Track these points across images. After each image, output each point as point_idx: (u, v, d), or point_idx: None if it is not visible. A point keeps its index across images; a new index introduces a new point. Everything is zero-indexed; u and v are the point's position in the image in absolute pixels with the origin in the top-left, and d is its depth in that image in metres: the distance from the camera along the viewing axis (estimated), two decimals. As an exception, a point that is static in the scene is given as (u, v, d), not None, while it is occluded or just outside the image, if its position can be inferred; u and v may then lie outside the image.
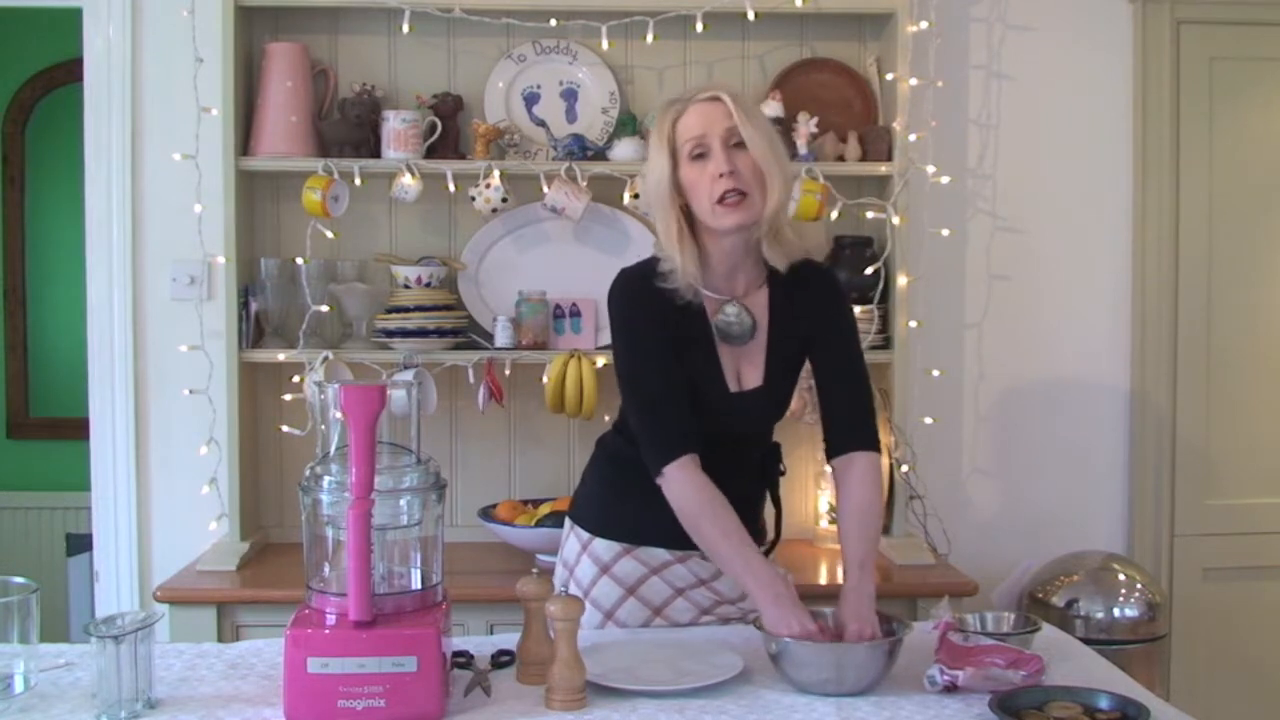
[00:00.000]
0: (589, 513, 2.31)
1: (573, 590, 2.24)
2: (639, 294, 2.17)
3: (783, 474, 2.34)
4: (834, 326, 2.24)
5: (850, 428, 2.22)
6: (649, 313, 2.15)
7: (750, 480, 2.29)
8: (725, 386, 2.19)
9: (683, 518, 2.11)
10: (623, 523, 2.25)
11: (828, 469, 2.38)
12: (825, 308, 2.24)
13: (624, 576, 2.24)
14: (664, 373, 2.14)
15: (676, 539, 2.16)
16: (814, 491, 3.34)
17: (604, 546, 2.26)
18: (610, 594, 2.24)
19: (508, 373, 3.14)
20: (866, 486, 2.17)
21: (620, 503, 2.24)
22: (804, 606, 2.00)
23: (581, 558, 2.28)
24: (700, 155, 2.10)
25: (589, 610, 2.21)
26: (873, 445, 2.22)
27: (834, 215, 3.16)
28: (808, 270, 2.25)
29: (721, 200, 2.08)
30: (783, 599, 2.00)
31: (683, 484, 2.10)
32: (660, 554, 2.24)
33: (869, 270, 3.16)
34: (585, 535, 2.29)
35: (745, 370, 2.21)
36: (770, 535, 2.33)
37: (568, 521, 2.36)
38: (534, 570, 1.99)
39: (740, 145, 2.09)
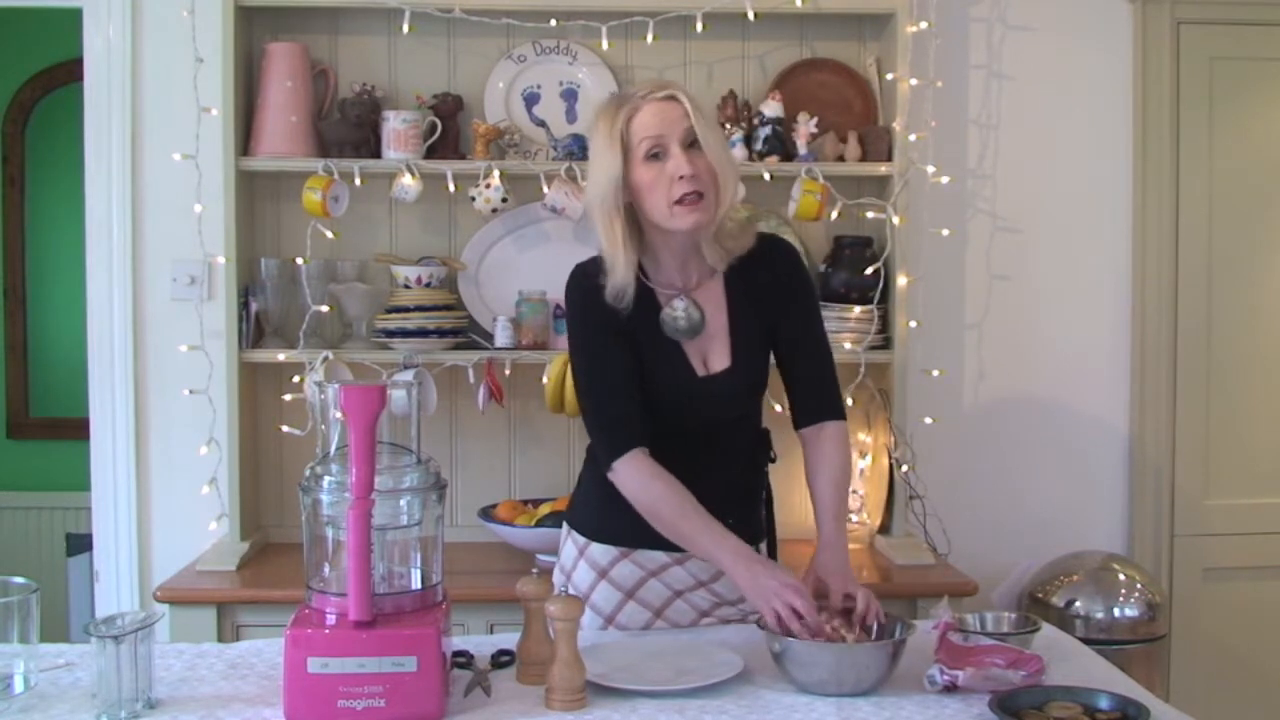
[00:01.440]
0: (585, 517, 2.30)
1: (571, 595, 2.24)
2: (590, 290, 2.15)
3: (773, 461, 2.33)
4: (793, 298, 2.23)
5: (818, 397, 2.24)
6: (598, 308, 2.14)
7: (741, 469, 2.28)
8: (692, 372, 2.18)
9: (640, 510, 2.12)
10: (618, 526, 2.23)
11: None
12: (783, 281, 2.23)
13: (622, 580, 2.23)
14: (607, 369, 2.14)
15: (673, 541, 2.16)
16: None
17: (601, 551, 2.25)
18: (610, 598, 2.23)
19: (508, 373, 3.14)
20: (840, 448, 2.22)
21: (615, 506, 2.21)
22: (777, 566, 2.04)
23: (579, 563, 2.27)
24: (655, 155, 2.08)
25: (589, 615, 2.20)
26: (841, 414, 2.25)
27: (834, 215, 3.15)
28: (764, 247, 2.23)
29: (680, 201, 2.07)
30: (755, 564, 2.03)
31: (632, 476, 2.11)
32: (658, 556, 2.23)
33: (869, 270, 3.15)
34: (582, 540, 2.28)
35: (711, 354, 2.19)
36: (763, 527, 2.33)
37: (564, 526, 2.35)
38: (534, 570, 1.99)
39: (696, 145, 2.07)
